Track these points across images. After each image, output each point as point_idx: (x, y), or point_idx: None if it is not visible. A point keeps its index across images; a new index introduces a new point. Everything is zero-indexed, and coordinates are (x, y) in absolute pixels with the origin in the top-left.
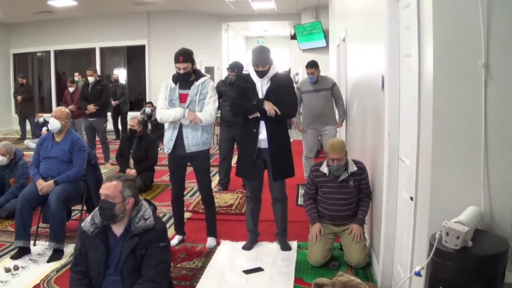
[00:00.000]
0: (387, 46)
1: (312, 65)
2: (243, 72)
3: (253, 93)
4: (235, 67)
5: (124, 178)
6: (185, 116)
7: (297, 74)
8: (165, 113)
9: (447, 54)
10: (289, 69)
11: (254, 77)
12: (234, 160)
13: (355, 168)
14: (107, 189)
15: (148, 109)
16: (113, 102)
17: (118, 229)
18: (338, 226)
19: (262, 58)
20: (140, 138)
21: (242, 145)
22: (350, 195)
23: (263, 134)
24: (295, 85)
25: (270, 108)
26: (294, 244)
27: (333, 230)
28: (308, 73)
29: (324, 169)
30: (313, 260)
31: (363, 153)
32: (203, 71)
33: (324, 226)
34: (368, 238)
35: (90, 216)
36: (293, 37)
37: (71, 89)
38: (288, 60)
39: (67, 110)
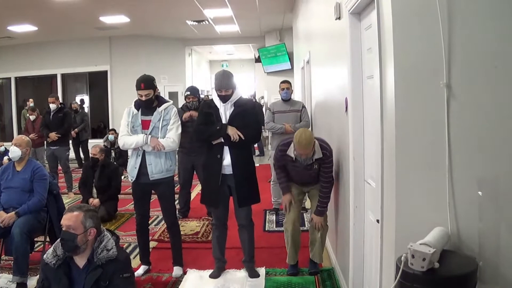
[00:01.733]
0: (350, 68)
1: (287, 82)
2: (204, 96)
3: (216, 118)
4: (196, 92)
5: (86, 209)
6: (148, 142)
7: (262, 97)
8: (128, 139)
9: (409, 74)
10: (254, 92)
11: (218, 102)
12: (195, 188)
13: (320, 155)
14: (69, 219)
15: (111, 137)
16: (72, 132)
17: (80, 261)
18: (307, 186)
19: (225, 82)
20: (102, 166)
21: (206, 171)
22: (315, 174)
23: (227, 160)
24: (266, 107)
25: (233, 133)
26: (262, 270)
27: (302, 190)
28: (283, 89)
29: (291, 153)
30: (291, 223)
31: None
32: (166, 96)
33: (293, 185)
34: (337, 260)
35: (52, 248)
36: (258, 60)
37: (32, 117)
38: (253, 83)
39: (27, 138)
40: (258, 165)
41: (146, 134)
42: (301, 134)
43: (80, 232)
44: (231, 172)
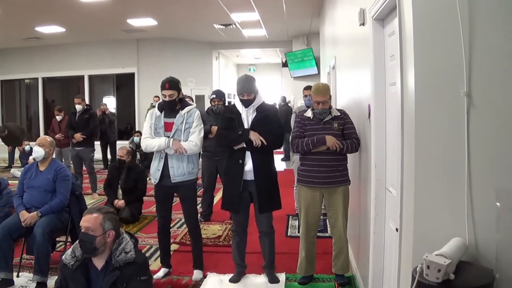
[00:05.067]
0: (373, 74)
1: (310, 87)
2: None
3: (238, 123)
4: (222, 96)
5: (105, 211)
6: (170, 145)
7: (289, 101)
8: (150, 142)
9: (429, 82)
10: (284, 97)
11: (240, 107)
12: (219, 192)
13: (338, 113)
14: (88, 221)
15: (136, 139)
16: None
17: (99, 262)
18: (325, 185)
19: (246, 86)
20: (129, 168)
21: (227, 176)
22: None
23: (249, 165)
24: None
25: (256, 138)
26: (282, 276)
27: (319, 194)
28: (306, 95)
29: (309, 113)
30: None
31: (353, 181)
32: (193, 99)
33: (310, 189)
34: (358, 268)
35: (71, 249)
36: (285, 64)
37: (58, 118)
38: (280, 88)
39: (51, 138)
40: (283, 169)
41: (169, 136)
42: (318, 83)
43: (99, 234)
44: (253, 178)
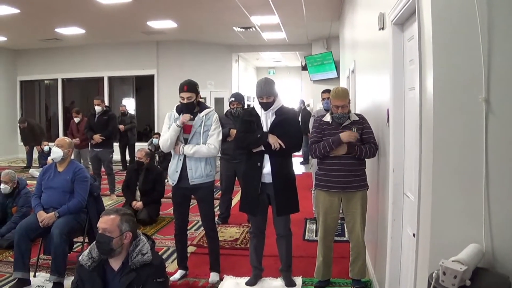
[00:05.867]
0: (392, 79)
1: (328, 91)
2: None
3: (257, 126)
4: (241, 99)
5: (122, 212)
6: (179, 124)
7: (308, 105)
8: (162, 138)
9: (447, 87)
10: (302, 100)
11: (259, 110)
12: (237, 194)
13: (357, 118)
14: (105, 223)
15: (155, 140)
16: (121, 126)
17: (115, 264)
18: (343, 190)
19: (266, 89)
20: (147, 170)
21: (245, 179)
22: (354, 143)
23: (267, 168)
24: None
25: (274, 141)
26: (299, 280)
27: (337, 199)
28: (323, 99)
29: (327, 117)
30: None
31: (371, 186)
32: (212, 102)
33: (328, 194)
34: (375, 273)
35: (87, 250)
36: (304, 67)
37: (76, 120)
38: (300, 91)
39: (70, 139)
40: (301, 173)
41: (187, 139)
42: (337, 87)
43: (116, 236)
44: (271, 181)
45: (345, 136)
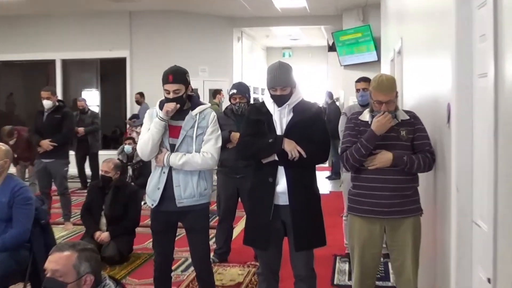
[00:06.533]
0: (455, 62)
1: (366, 79)
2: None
3: (268, 127)
4: (245, 91)
5: (81, 248)
6: (162, 116)
7: (337, 99)
8: (141, 141)
9: None
10: (330, 93)
11: (270, 105)
12: (240, 222)
13: (407, 117)
14: (56, 262)
15: (128, 148)
16: (79, 129)
17: None
18: (387, 215)
19: (280, 77)
20: (116, 188)
21: (252, 200)
22: (401, 151)
23: (282, 185)
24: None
25: (292, 148)
26: None
27: (379, 227)
28: (358, 89)
29: (366, 116)
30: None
31: (425, 210)
32: (206, 96)
33: (367, 220)
34: None
35: None
36: (332, 48)
37: (11, 142)
38: (326, 80)
39: (6, 146)
40: (328, 192)
41: (175, 145)
42: (381, 75)
43: (71, 280)
44: (287, 203)
45: (378, 125)
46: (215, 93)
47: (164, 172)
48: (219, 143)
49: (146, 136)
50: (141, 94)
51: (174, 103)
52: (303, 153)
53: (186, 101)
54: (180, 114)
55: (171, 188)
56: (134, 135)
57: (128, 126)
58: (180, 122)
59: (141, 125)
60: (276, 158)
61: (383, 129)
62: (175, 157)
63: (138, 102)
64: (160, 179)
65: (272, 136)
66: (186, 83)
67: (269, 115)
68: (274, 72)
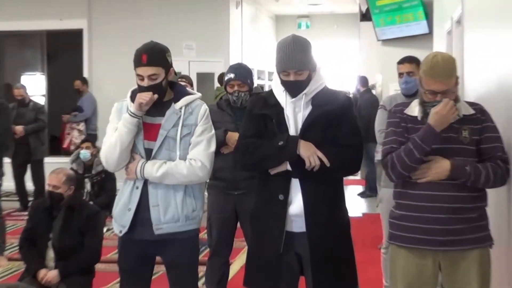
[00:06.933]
0: None
1: (411, 60)
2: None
3: (278, 126)
4: (247, 76)
5: None
6: (134, 112)
7: (372, 86)
8: (106, 146)
9: None
10: (362, 78)
11: (281, 96)
12: (240, 255)
13: (471, 111)
14: None
15: (85, 153)
16: (17, 127)
17: None
18: (443, 246)
19: (295, 57)
20: (69, 210)
21: (256, 226)
22: (463, 158)
23: (296, 206)
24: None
25: (310, 154)
26: None
27: (433, 268)
28: (401, 74)
29: (414, 110)
30: None
31: (497, 240)
32: (194, 80)
33: (415, 253)
34: None
35: None
36: (365, 16)
37: None
38: (357, 60)
39: None
40: (361, 214)
41: (152, 150)
42: (435, 54)
43: None
44: (304, 229)
45: (437, 117)
46: (221, 77)
47: (137, 188)
48: (213, 147)
49: (113, 138)
50: (83, 81)
51: (150, 93)
52: (325, 160)
53: (167, 90)
54: (158, 108)
55: (146, 209)
56: (74, 134)
57: (65, 121)
58: (159, 119)
59: (83, 121)
60: (289, 168)
61: (445, 122)
62: (152, 167)
63: (79, 92)
64: (131, 197)
65: (282, 137)
66: (167, 66)
67: (279, 109)
68: (286, 49)
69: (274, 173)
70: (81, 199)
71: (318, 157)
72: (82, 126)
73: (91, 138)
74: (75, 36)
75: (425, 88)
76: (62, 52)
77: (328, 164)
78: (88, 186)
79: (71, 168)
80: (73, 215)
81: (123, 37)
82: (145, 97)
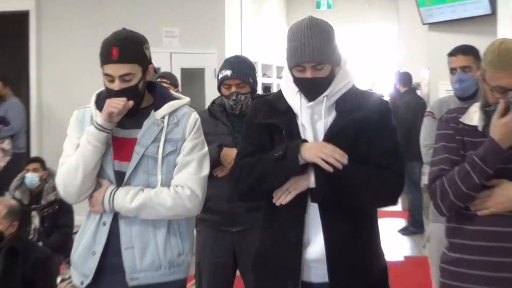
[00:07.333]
0: None
1: (467, 51)
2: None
3: (289, 136)
4: (249, 72)
5: None
6: (101, 124)
7: (417, 85)
8: (63, 169)
9: None
10: (403, 74)
11: (294, 98)
12: None
13: None
14: None
15: (32, 178)
16: None
17: None
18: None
19: (313, 47)
20: (11, 253)
21: (262, 274)
22: None
23: (316, 248)
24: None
25: (329, 153)
26: None
27: None
28: (453, 69)
29: (472, 117)
30: None
31: None
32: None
33: None
34: None
35: None
36: None
37: None
38: (395, 51)
39: None
40: (403, 258)
41: (125, 173)
42: (502, 41)
43: None
44: (326, 279)
45: (502, 130)
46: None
47: (104, 224)
48: (205, 170)
49: (73, 159)
50: (2, 83)
51: (124, 99)
52: (344, 160)
53: (145, 94)
54: (134, 118)
55: (117, 253)
56: None
57: None
58: (134, 132)
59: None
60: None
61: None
62: (124, 196)
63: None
64: (96, 237)
65: (281, 147)
66: (144, 62)
67: (291, 117)
68: (300, 37)
69: (279, 203)
70: (27, 239)
71: (339, 155)
72: (7, 144)
73: (18, 159)
74: (20, 20)
75: (492, 84)
76: (4, 39)
77: (346, 162)
78: (36, 221)
79: (14, 198)
80: (16, 260)
81: (82, 21)
82: (117, 104)
